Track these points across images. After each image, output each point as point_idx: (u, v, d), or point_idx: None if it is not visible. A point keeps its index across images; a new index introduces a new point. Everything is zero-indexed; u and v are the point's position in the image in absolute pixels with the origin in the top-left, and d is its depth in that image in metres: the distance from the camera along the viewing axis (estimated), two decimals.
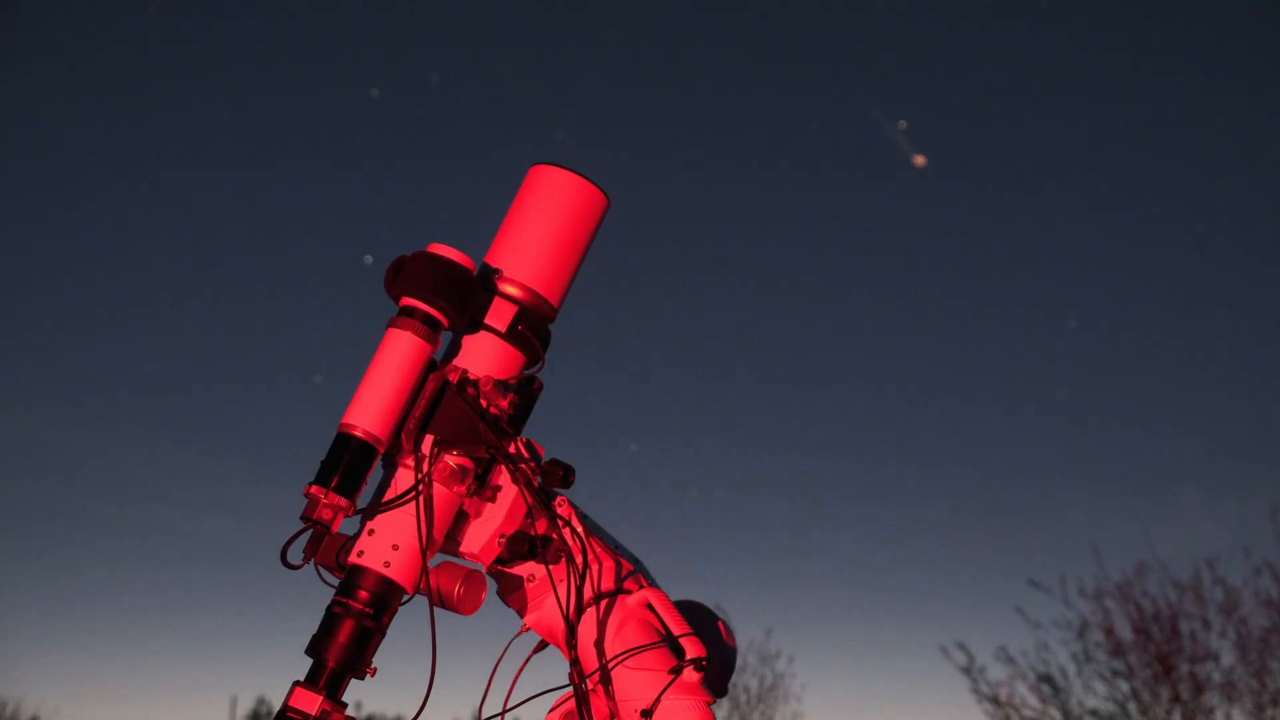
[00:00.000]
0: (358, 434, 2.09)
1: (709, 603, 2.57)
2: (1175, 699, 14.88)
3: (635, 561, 2.35)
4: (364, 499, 2.13)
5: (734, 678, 2.63)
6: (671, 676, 2.19)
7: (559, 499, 2.27)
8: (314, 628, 2.08)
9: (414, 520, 2.11)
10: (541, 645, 2.33)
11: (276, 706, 2.03)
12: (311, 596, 2.12)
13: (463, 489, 2.18)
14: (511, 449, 2.20)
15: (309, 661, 2.06)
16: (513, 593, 2.29)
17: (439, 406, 2.16)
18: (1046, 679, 15.56)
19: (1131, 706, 15.14)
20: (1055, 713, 15.54)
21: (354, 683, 2.07)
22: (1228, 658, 14.97)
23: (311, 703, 2.00)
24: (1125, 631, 15.33)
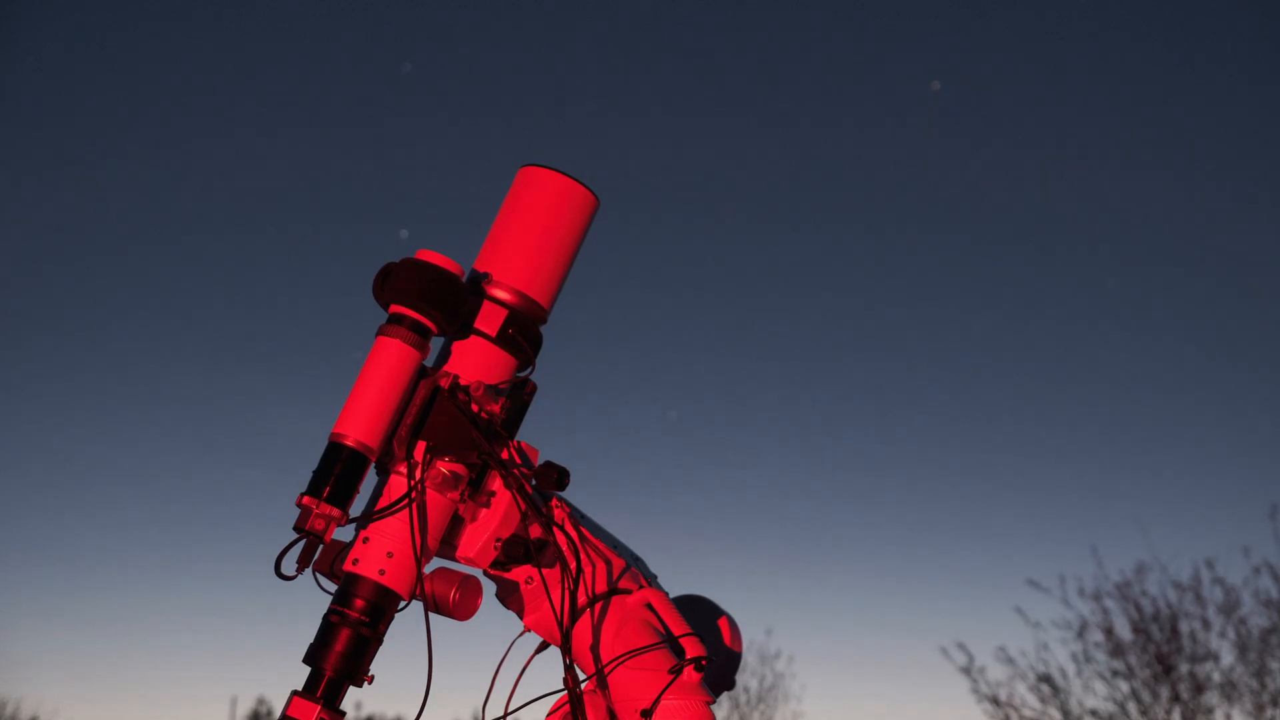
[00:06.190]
0: (349, 443, 2.07)
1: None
2: (1175, 699, 14.86)
3: (635, 560, 2.35)
4: (358, 506, 2.12)
5: (734, 677, 2.63)
6: (671, 676, 2.20)
7: (553, 501, 2.27)
8: (314, 629, 2.07)
9: (408, 527, 2.10)
10: (543, 646, 2.32)
11: (276, 707, 2.03)
12: (311, 597, 2.11)
13: (456, 495, 2.17)
14: (504, 454, 2.19)
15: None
16: (511, 595, 2.29)
17: (430, 413, 2.15)
18: (1046, 679, 15.53)
19: (1131, 706, 15.12)
20: (1055, 713, 15.52)
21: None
22: (1227, 658, 14.96)
23: (309, 712, 2.00)
24: (1125, 631, 15.31)
